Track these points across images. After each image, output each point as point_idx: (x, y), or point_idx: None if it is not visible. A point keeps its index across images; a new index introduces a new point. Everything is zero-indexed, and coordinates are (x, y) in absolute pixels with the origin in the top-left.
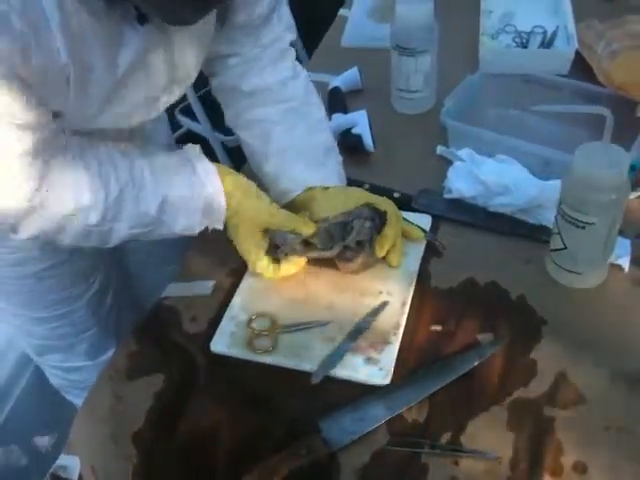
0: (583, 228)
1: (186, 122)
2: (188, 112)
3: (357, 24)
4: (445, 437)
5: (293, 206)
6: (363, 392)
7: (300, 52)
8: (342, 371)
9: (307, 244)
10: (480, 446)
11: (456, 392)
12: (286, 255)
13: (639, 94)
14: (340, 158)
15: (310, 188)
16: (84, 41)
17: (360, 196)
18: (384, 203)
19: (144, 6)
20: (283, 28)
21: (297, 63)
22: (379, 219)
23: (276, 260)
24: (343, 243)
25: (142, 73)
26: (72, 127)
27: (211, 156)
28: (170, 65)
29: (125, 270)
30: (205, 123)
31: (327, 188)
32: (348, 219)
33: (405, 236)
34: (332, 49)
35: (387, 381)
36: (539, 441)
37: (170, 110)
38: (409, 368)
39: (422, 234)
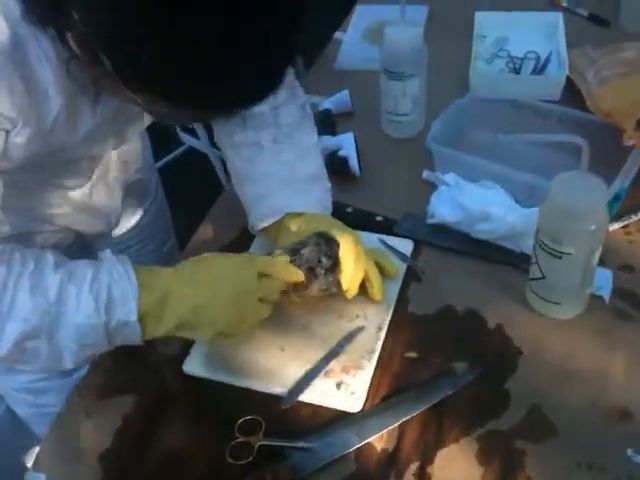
0: (560, 258)
1: (187, 138)
2: (189, 128)
3: (351, 46)
4: (413, 468)
5: (267, 232)
6: (333, 418)
7: (302, 72)
8: (313, 396)
9: None
10: (448, 478)
11: (427, 421)
12: None
13: (626, 122)
14: (328, 185)
15: (287, 214)
16: (46, 98)
17: (322, 224)
18: (344, 233)
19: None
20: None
21: (297, 86)
22: (325, 244)
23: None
24: None
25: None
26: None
27: (211, 171)
28: (118, 135)
29: None
30: (204, 139)
31: (300, 215)
32: (297, 247)
33: (380, 271)
34: (325, 71)
35: (359, 407)
36: (508, 476)
37: (173, 127)
38: (381, 395)
39: (397, 271)
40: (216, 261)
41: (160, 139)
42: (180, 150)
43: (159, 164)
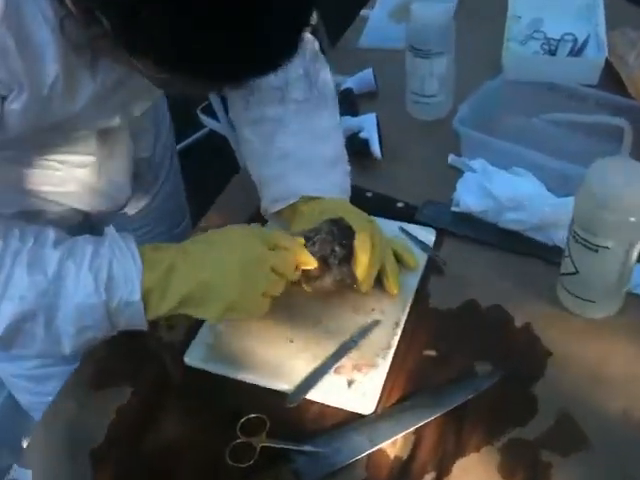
0: (596, 252)
1: (207, 121)
2: (210, 111)
3: (377, 24)
4: (428, 478)
5: (281, 216)
6: (343, 420)
7: (327, 49)
8: (321, 394)
9: None
10: None
11: (445, 427)
12: None
13: None
14: (348, 169)
15: (302, 198)
16: (42, 61)
17: (337, 210)
18: (361, 220)
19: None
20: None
21: (320, 59)
22: (340, 232)
23: None
24: None
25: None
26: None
27: (230, 154)
28: (123, 106)
29: None
30: (224, 122)
31: (315, 199)
32: (309, 235)
33: (399, 261)
34: (349, 50)
35: (371, 409)
36: None
37: (192, 110)
38: (396, 396)
39: (416, 263)
40: (223, 233)
41: (180, 122)
42: (200, 133)
43: (179, 147)
